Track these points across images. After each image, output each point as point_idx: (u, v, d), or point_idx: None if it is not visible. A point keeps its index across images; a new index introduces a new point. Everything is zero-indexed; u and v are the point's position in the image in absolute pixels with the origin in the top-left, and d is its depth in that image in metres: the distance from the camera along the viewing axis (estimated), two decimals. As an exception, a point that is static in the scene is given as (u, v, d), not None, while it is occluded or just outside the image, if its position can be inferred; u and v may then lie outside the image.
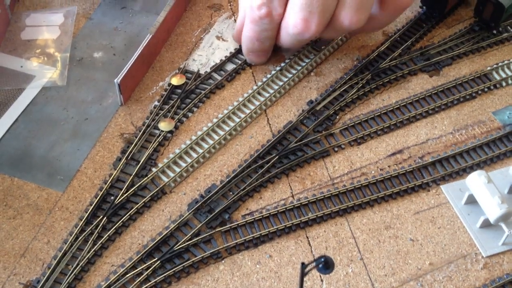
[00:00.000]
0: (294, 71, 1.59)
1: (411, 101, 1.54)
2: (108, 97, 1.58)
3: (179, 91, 1.56)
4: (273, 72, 1.58)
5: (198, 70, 1.61)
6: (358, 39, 1.72)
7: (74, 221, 1.36)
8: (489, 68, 1.61)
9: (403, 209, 1.38)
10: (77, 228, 1.32)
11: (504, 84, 1.59)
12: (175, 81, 1.57)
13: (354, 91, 1.55)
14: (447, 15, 1.76)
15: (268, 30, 1.35)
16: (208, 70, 1.61)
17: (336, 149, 1.47)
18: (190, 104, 1.53)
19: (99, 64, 1.66)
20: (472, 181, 1.37)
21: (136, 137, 1.48)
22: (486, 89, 1.56)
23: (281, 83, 1.56)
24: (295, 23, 1.20)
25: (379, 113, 1.52)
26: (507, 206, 1.27)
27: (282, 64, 1.58)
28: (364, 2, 1.43)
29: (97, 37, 1.72)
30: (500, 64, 1.61)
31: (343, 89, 1.55)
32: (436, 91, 1.56)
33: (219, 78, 1.58)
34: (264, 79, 1.57)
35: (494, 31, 1.67)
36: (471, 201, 1.38)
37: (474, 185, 1.37)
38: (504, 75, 1.59)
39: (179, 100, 1.54)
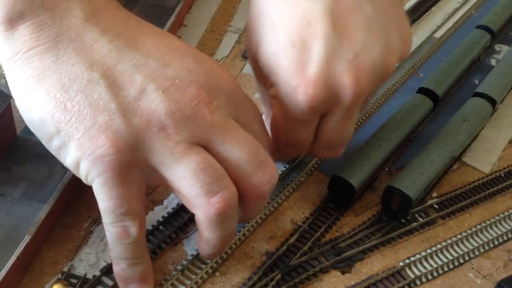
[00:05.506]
0: (198, 271, 1.41)
1: (325, 308, 1.43)
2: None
3: (60, 305, 1.33)
4: (174, 272, 1.39)
5: (85, 274, 1.40)
6: (266, 229, 1.59)
7: None
8: (401, 263, 1.57)
9: None
10: None
11: (418, 282, 1.55)
12: (56, 291, 1.33)
13: (264, 295, 1.39)
14: (354, 202, 1.71)
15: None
16: (98, 273, 1.39)
17: None
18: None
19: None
20: None
21: None
22: (401, 290, 1.49)
23: (182, 287, 1.36)
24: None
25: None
26: None
27: (184, 263, 1.38)
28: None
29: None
30: (411, 258, 1.59)
31: (252, 293, 1.39)
32: (350, 294, 1.46)
33: (110, 283, 1.37)
34: (162, 282, 1.36)
35: (402, 220, 1.63)
36: None
37: None
38: (417, 273, 1.53)
39: (59, 320, 1.30)
